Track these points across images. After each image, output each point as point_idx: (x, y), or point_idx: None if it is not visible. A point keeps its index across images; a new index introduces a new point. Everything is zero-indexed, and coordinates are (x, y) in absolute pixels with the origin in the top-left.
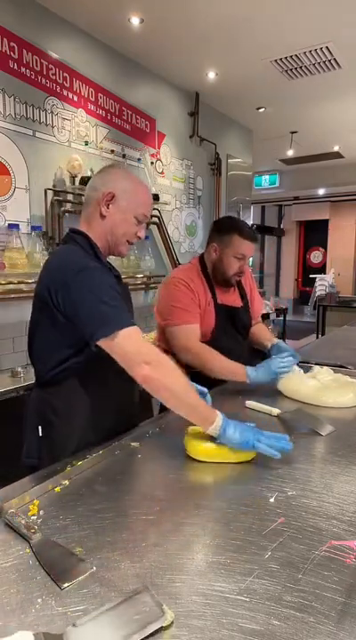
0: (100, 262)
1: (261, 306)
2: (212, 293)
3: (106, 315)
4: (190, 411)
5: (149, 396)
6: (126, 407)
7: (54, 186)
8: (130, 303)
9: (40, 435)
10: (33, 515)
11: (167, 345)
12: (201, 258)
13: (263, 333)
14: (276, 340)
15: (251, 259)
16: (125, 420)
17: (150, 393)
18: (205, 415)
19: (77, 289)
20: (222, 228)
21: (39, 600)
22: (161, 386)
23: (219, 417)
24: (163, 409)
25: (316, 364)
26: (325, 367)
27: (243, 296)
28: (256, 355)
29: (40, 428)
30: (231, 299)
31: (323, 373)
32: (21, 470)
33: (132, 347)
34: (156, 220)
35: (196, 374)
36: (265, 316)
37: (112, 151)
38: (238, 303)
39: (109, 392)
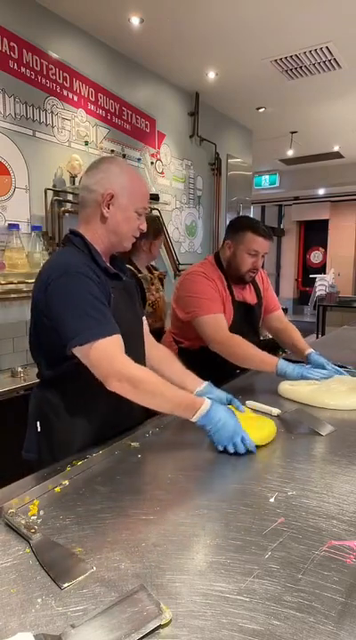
0: (95, 264)
1: (276, 300)
2: (229, 290)
3: (81, 324)
4: (168, 410)
5: None
6: (127, 406)
7: (54, 186)
8: (131, 300)
9: (38, 430)
10: (33, 515)
11: (184, 337)
12: (216, 256)
13: (298, 337)
14: (311, 350)
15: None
16: (125, 419)
17: None
18: (186, 409)
19: (56, 294)
20: (237, 226)
21: (39, 600)
22: (135, 398)
23: (200, 412)
24: None
25: None
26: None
27: (258, 293)
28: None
29: (39, 424)
30: (248, 296)
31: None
32: (22, 469)
33: (102, 360)
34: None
35: (208, 366)
36: None
37: (112, 151)
38: (253, 300)
39: (108, 393)
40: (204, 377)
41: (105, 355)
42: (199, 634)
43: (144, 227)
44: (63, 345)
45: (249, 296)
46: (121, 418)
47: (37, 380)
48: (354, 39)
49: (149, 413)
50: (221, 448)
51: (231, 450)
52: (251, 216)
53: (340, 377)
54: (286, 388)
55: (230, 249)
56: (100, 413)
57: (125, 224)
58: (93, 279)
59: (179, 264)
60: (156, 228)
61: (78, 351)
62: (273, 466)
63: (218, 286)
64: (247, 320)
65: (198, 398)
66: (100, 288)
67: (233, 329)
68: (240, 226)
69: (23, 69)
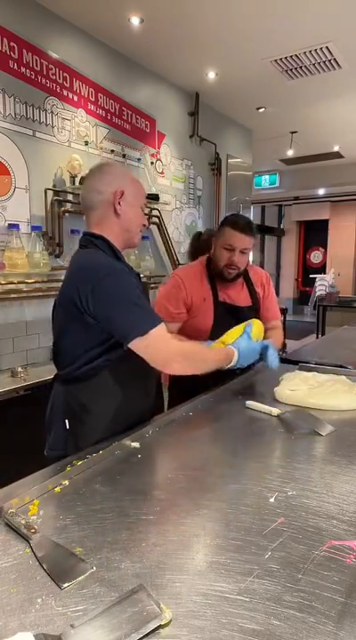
0: (122, 263)
1: (275, 309)
2: (213, 290)
3: (137, 317)
4: (216, 367)
5: (161, 393)
6: (147, 401)
7: (54, 186)
8: (148, 299)
9: (67, 428)
10: (33, 515)
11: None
12: (209, 255)
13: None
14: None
15: (251, 256)
16: (144, 414)
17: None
18: (225, 362)
19: (107, 292)
20: (221, 223)
21: (39, 600)
22: (193, 370)
23: (234, 359)
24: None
25: (316, 364)
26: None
27: (252, 295)
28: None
29: (67, 421)
30: (238, 297)
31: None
32: (23, 468)
33: (162, 346)
34: (156, 220)
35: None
36: None
37: (112, 151)
38: (245, 302)
39: (133, 387)
40: (203, 377)
41: (162, 340)
42: (199, 634)
43: (146, 222)
44: (105, 341)
45: (238, 298)
46: (144, 406)
47: (38, 380)
48: (354, 39)
49: (157, 407)
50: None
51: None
52: (241, 214)
53: (337, 377)
54: (286, 393)
55: (214, 245)
56: (128, 403)
57: (135, 219)
58: (131, 275)
59: (179, 264)
60: None
61: (135, 343)
62: (273, 466)
63: (192, 289)
64: (232, 321)
65: (229, 349)
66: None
67: (215, 329)
68: (223, 222)
69: (23, 69)
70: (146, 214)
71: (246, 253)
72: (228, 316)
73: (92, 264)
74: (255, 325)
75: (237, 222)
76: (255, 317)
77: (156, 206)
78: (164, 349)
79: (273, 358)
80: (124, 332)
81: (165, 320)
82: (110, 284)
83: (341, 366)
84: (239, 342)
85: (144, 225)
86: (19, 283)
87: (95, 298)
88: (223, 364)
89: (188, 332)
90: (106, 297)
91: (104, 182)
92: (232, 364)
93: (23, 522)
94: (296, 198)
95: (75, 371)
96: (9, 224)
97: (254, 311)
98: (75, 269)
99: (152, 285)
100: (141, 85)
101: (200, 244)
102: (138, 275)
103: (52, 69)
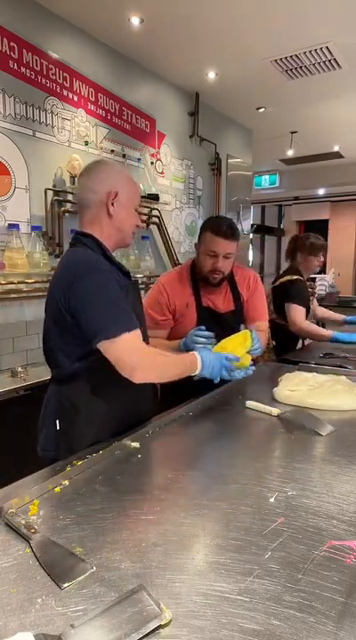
0: (109, 262)
1: (262, 310)
2: (196, 295)
3: (109, 317)
4: (180, 375)
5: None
6: (142, 401)
7: (54, 186)
8: (139, 299)
9: (58, 428)
10: (33, 515)
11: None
12: (194, 260)
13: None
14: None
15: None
16: (141, 414)
17: None
18: (190, 370)
19: (83, 291)
20: (202, 226)
21: (39, 600)
22: (160, 379)
23: (198, 370)
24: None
25: (316, 364)
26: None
27: (236, 299)
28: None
29: (58, 421)
30: (221, 302)
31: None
32: (22, 468)
33: (130, 352)
34: (156, 220)
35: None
36: None
37: (112, 151)
38: (227, 307)
39: (126, 386)
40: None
41: (130, 346)
42: (199, 634)
43: (140, 223)
44: (88, 340)
45: (221, 303)
46: (139, 408)
47: (38, 380)
48: (354, 39)
49: (156, 409)
50: (217, 380)
51: (227, 376)
52: (222, 215)
53: (337, 377)
54: (286, 394)
55: (196, 250)
56: (120, 405)
57: (128, 220)
58: (113, 276)
59: (178, 264)
60: (312, 244)
61: (103, 345)
62: (273, 466)
63: (175, 295)
64: (215, 327)
65: (192, 356)
66: (119, 284)
67: None
68: (203, 226)
69: (23, 69)
70: (146, 214)
71: (230, 258)
72: (209, 322)
73: (73, 262)
74: (246, 337)
75: (219, 227)
76: (238, 322)
77: (156, 206)
78: (131, 356)
79: (257, 345)
80: (93, 330)
81: (152, 327)
82: (88, 280)
83: (341, 366)
84: (202, 351)
85: (138, 225)
86: (19, 283)
87: (72, 294)
88: (188, 371)
89: (172, 337)
90: (82, 293)
91: (98, 181)
92: (197, 372)
93: (23, 522)
94: (296, 198)
95: (63, 371)
96: (9, 224)
97: (236, 316)
98: (59, 269)
99: (152, 285)
100: (141, 85)
101: (296, 247)
102: (128, 273)
103: (52, 69)
